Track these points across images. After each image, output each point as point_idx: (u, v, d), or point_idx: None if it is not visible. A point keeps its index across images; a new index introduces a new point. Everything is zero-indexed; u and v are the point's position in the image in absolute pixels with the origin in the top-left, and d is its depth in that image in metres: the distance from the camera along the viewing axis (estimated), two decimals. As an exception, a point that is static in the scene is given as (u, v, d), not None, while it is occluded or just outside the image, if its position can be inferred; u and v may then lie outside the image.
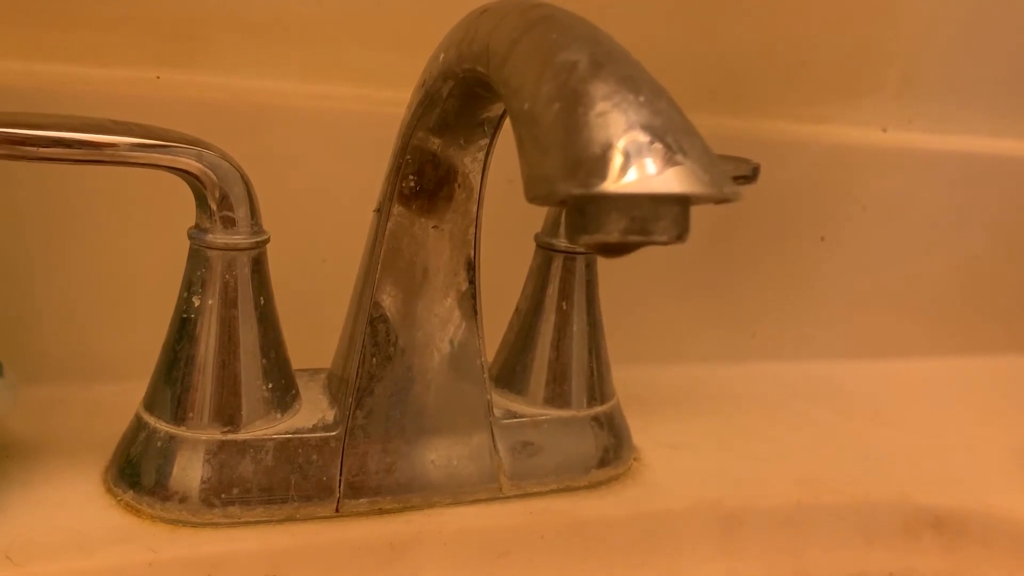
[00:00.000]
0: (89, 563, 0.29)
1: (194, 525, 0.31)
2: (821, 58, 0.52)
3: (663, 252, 0.45)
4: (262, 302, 0.32)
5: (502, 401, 0.37)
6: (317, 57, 0.42)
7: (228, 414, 0.31)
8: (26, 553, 0.28)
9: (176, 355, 0.31)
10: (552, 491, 0.36)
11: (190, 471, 0.31)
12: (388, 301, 0.32)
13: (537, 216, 0.38)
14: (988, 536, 0.39)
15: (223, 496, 0.31)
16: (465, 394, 0.34)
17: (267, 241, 0.32)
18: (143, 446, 0.32)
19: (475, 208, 0.32)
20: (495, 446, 0.35)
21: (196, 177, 0.29)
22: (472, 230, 0.33)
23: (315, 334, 0.35)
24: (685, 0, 0.48)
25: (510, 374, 0.38)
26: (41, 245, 0.39)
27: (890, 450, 0.44)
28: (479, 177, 0.32)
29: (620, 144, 0.19)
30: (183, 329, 0.31)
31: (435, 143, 0.31)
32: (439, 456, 0.34)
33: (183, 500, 0.31)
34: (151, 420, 0.32)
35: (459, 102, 0.29)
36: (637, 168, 0.19)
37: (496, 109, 0.30)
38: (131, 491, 0.31)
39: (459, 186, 0.32)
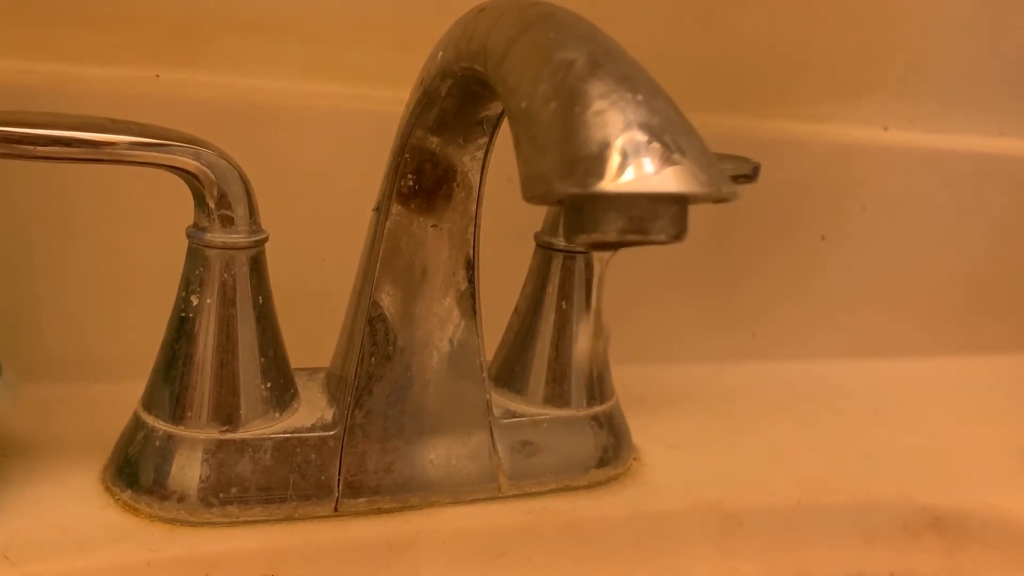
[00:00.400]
0: (87, 562, 0.29)
1: (192, 524, 0.31)
2: (822, 57, 0.52)
3: (663, 251, 0.45)
4: (260, 301, 0.32)
5: (501, 400, 0.37)
6: (316, 56, 0.42)
7: (226, 413, 0.31)
8: (24, 552, 0.28)
9: (174, 354, 0.31)
10: (551, 491, 0.36)
11: (188, 470, 0.31)
12: (387, 300, 0.32)
13: (537, 215, 0.38)
14: (988, 536, 0.39)
15: (221, 495, 0.31)
16: (464, 393, 0.34)
17: (265, 240, 0.32)
18: (141, 445, 0.31)
19: (474, 207, 0.32)
20: (494, 446, 0.35)
21: (194, 176, 0.29)
22: (471, 229, 0.33)
23: (314, 333, 0.35)
24: (685, -1, 0.48)
25: (509, 373, 0.37)
26: (40, 244, 0.39)
27: (890, 450, 0.44)
28: (478, 176, 0.32)
29: (618, 143, 0.19)
30: (181, 328, 0.31)
31: (434, 142, 0.31)
32: (438, 455, 0.34)
33: (181, 499, 0.31)
34: (149, 419, 0.32)
35: (458, 101, 0.29)
36: (635, 167, 0.19)
37: (495, 108, 0.30)
38: (129, 490, 0.31)
39: (458, 185, 0.32)
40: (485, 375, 0.34)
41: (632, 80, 0.20)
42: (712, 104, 0.50)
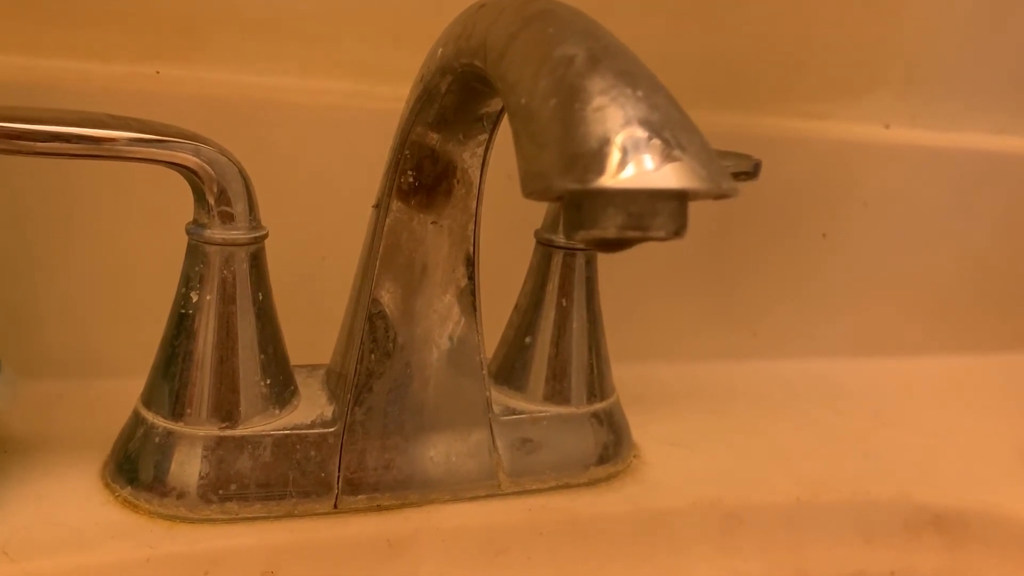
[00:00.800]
0: (86, 559, 0.29)
1: (192, 521, 0.31)
2: (824, 54, 0.51)
3: (663, 248, 0.45)
4: (260, 298, 0.32)
5: (501, 398, 0.37)
6: (316, 52, 0.42)
7: (226, 410, 0.31)
8: (23, 549, 0.28)
9: (174, 351, 0.31)
10: (551, 488, 0.36)
11: (188, 467, 0.31)
12: (387, 297, 0.32)
13: (537, 212, 0.38)
14: (989, 535, 0.39)
15: (221, 492, 0.31)
16: (464, 390, 0.34)
17: (265, 236, 0.31)
18: (141, 442, 0.31)
19: (474, 204, 0.32)
20: (494, 443, 0.35)
21: (194, 172, 0.29)
22: (471, 226, 0.33)
23: (314, 330, 0.35)
24: (687, -4, 0.48)
25: (509, 370, 0.37)
26: (39, 241, 0.39)
27: (891, 448, 0.44)
28: (478, 172, 0.32)
29: (617, 139, 0.19)
30: (181, 325, 0.31)
31: (434, 138, 0.31)
32: (438, 453, 0.34)
33: (181, 496, 0.31)
34: (149, 416, 0.32)
35: (457, 97, 0.29)
36: (634, 163, 0.18)
37: (495, 104, 0.30)
38: (129, 487, 0.31)
39: (458, 182, 0.32)
40: (485, 372, 0.34)
41: (632, 76, 0.20)
42: (713, 101, 0.50)
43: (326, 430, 0.32)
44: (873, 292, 0.56)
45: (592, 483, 0.37)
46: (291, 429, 0.32)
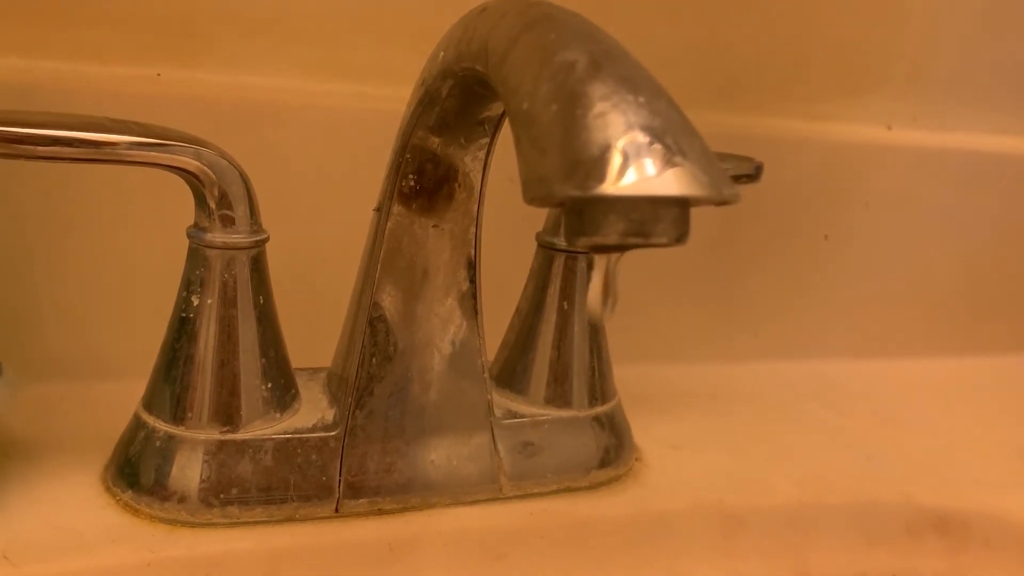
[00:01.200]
0: (87, 563, 0.29)
1: (193, 525, 0.31)
2: (825, 55, 0.51)
3: (665, 251, 0.45)
4: (261, 301, 0.32)
5: (503, 401, 0.37)
6: (318, 54, 0.42)
7: (227, 414, 0.31)
8: (24, 553, 0.28)
9: (175, 354, 0.31)
10: (552, 492, 0.36)
11: (189, 471, 0.31)
12: (388, 301, 0.32)
13: (538, 215, 0.38)
14: (991, 537, 0.39)
15: (222, 496, 0.31)
16: (465, 394, 0.34)
17: (266, 240, 0.31)
18: (142, 446, 0.31)
19: (476, 207, 0.32)
20: (495, 446, 0.35)
21: (195, 176, 0.29)
22: (473, 229, 0.33)
23: (315, 333, 0.35)
24: (688, -3, 0.48)
25: (511, 374, 0.37)
26: (40, 244, 0.39)
27: (893, 450, 0.44)
28: (480, 176, 0.32)
29: (619, 145, 0.19)
30: (182, 328, 0.31)
31: (435, 142, 0.30)
32: (439, 456, 0.34)
33: (182, 500, 0.31)
34: (150, 419, 0.32)
35: (459, 101, 0.29)
36: (636, 170, 0.18)
37: (496, 108, 0.30)
38: (130, 491, 0.31)
39: (459, 185, 0.32)
40: (486, 376, 0.34)
41: (633, 81, 0.20)
42: (714, 103, 0.50)
43: (327, 434, 0.32)
44: (875, 293, 0.56)
45: (594, 486, 0.37)
46: (292, 433, 0.32)
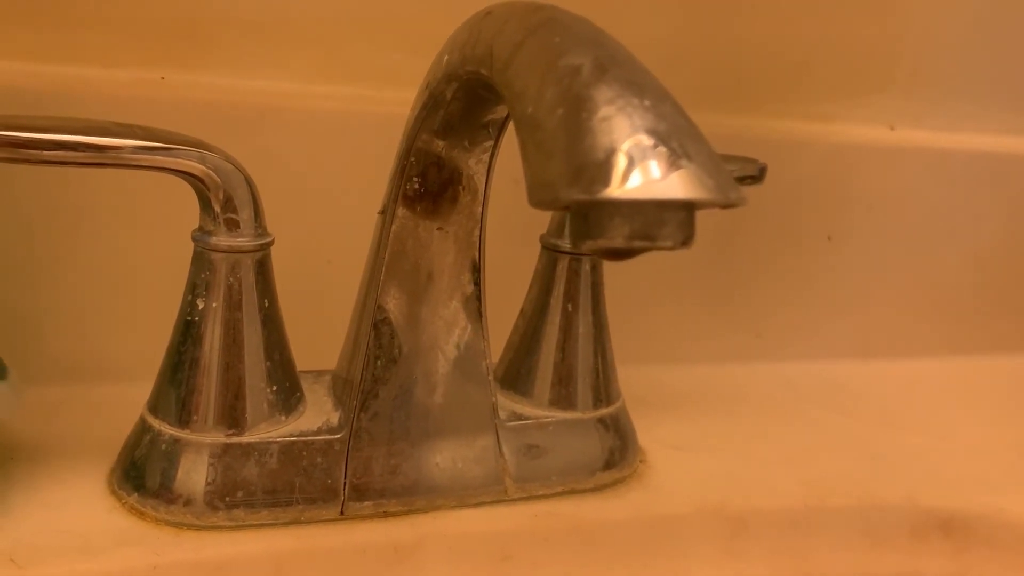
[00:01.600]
0: (93, 566, 0.29)
1: (198, 528, 0.31)
2: (827, 56, 0.51)
3: (669, 253, 0.45)
4: (266, 304, 0.32)
5: (507, 403, 0.37)
6: (322, 57, 0.42)
7: (232, 417, 0.31)
8: (29, 556, 0.28)
9: (180, 358, 0.31)
10: (557, 494, 0.36)
11: (194, 474, 0.31)
12: (392, 304, 0.32)
13: (542, 217, 0.37)
14: (996, 539, 0.39)
15: (227, 499, 0.31)
16: (470, 396, 0.34)
17: (271, 243, 0.31)
18: (147, 449, 0.31)
19: (480, 210, 0.32)
20: (500, 448, 0.35)
21: (199, 179, 0.29)
22: (477, 232, 0.33)
23: (320, 335, 0.35)
24: (691, -1, 0.48)
25: (515, 376, 0.37)
26: (45, 247, 0.39)
27: (897, 452, 0.44)
28: (484, 179, 0.32)
29: (624, 149, 0.19)
30: (187, 332, 0.31)
31: (439, 145, 0.31)
32: (444, 459, 0.34)
33: (187, 503, 0.31)
34: (155, 423, 0.32)
35: (463, 104, 0.29)
36: (641, 173, 0.18)
37: (501, 111, 0.30)
38: (135, 494, 0.31)
39: (463, 188, 0.32)
40: (491, 378, 0.34)
41: (638, 85, 0.20)
42: (717, 104, 0.50)
43: (332, 436, 0.32)
44: (879, 294, 0.56)
45: (598, 488, 0.37)
46: (297, 436, 0.32)
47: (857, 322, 0.56)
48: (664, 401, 0.46)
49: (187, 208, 0.31)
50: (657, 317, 0.51)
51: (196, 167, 0.29)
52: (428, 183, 0.31)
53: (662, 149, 0.19)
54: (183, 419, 0.31)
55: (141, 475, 0.31)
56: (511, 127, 0.27)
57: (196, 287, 0.31)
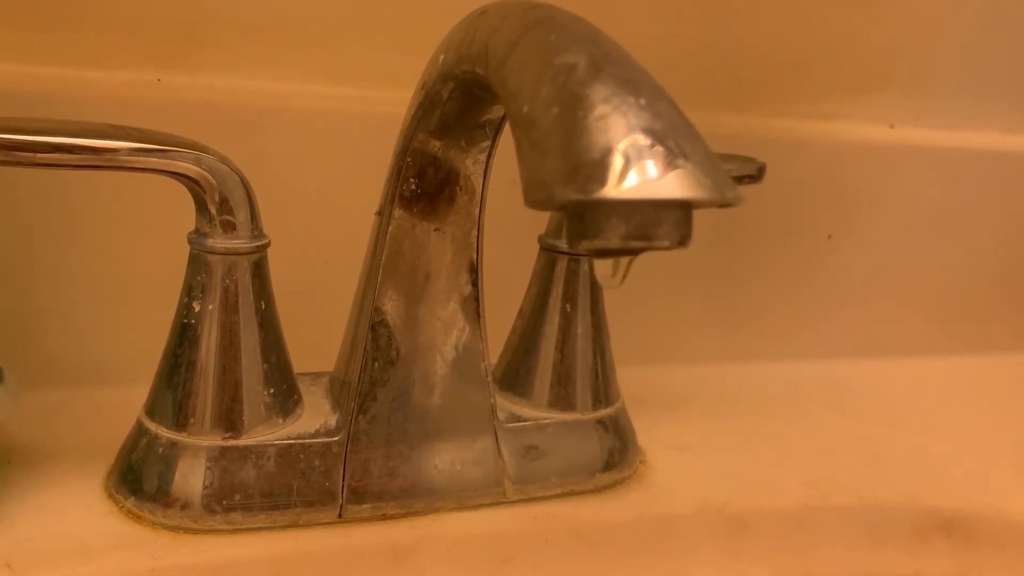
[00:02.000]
0: (90, 570, 0.29)
1: (196, 532, 0.31)
2: (827, 54, 0.51)
3: (667, 253, 0.44)
4: (263, 306, 0.32)
5: (506, 404, 0.36)
6: (318, 58, 0.42)
7: (229, 419, 0.31)
8: (26, 560, 0.28)
9: (177, 360, 0.31)
10: (557, 495, 0.36)
11: (192, 477, 0.31)
12: (390, 305, 0.32)
13: (541, 218, 0.37)
14: (999, 538, 0.39)
15: (225, 502, 0.31)
16: (468, 398, 0.34)
17: (267, 245, 0.31)
18: (144, 452, 0.31)
19: (477, 210, 0.32)
20: (499, 450, 0.35)
21: (195, 181, 0.29)
22: (474, 233, 0.32)
23: (318, 337, 0.34)
24: (689, -3, 0.47)
25: (514, 377, 0.37)
26: (42, 250, 0.39)
27: (899, 451, 0.43)
28: (481, 179, 0.32)
29: (620, 148, 0.19)
30: (184, 334, 0.31)
31: (436, 145, 0.30)
32: (442, 461, 0.34)
33: (185, 507, 0.30)
34: (152, 426, 0.31)
35: (459, 104, 0.29)
36: (637, 173, 0.18)
37: (497, 111, 0.29)
38: (132, 498, 0.31)
39: (460, 188, 0.31)
40: (489, 379, 0.34)
41: (634, 84, 0.20)
42: (717, 103, 0.49)
43: (330, 439, 0.32)
44: (879, 293, 0.56)
45: (598, 490, 0.36)
46: (295, 438, 0.32)
47: (858, 321, 0.56)
48: (664, 401, 0.46)
49: (183, 210, 0.31)
50: (657, 317, 0.50)
51: (191, 169, 0.29)
52: (425, 184, 0.31)
53: (658, 148, 0.19)
54: (180, 422, 0.31)
55: (138, 479, 0.31)
56: (508, 128, 0.27)
57: (192, 289, 0.31)
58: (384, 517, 0.33)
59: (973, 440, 0.46)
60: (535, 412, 0.36)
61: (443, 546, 0.33)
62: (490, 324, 0.34)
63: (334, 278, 0.38)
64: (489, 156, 0.31)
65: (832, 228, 0.53)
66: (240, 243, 0.30)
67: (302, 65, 0.42)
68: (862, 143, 0.52)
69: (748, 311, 0.53)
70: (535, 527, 0.34)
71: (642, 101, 0.20)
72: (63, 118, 0.28)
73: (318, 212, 0.42)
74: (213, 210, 0.30)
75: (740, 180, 0.39)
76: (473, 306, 0.33)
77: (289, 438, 0.32)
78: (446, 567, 0.33)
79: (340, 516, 0.32)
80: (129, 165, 0.28)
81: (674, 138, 0.19)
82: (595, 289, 0.37)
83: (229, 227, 0.30)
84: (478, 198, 0.32)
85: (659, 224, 0.19)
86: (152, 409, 0.32)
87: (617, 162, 0.18)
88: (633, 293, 0.49)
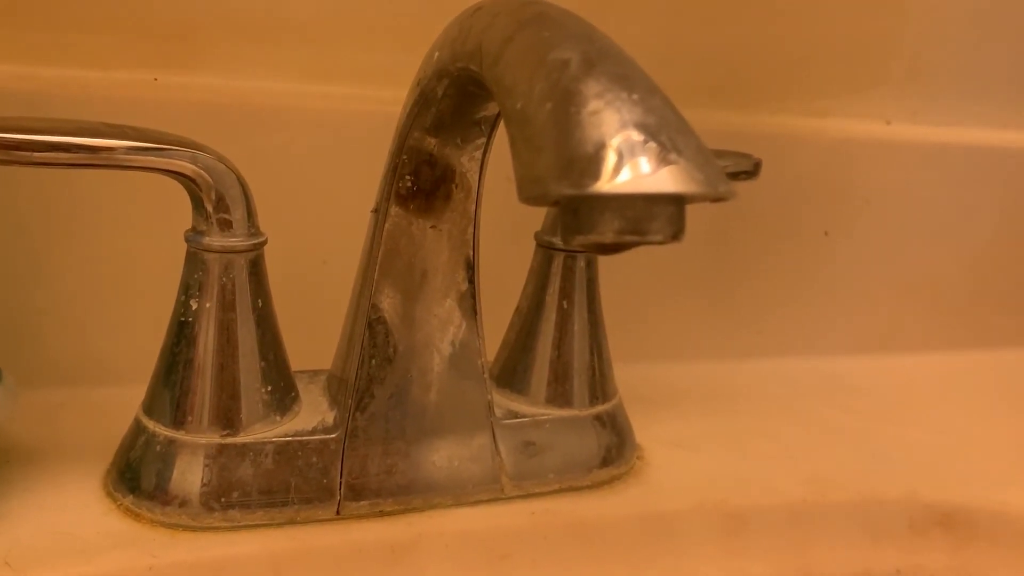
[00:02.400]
0: (88, 568, 0.29)
1: (194, 529, 0.31)
2: (823, 51, 0.51)
3: (664, 249, 0.44)
4: (260, 304, 0.32)
5: (503, 401, 0.36)
6: (313, 57, 0.42)
7: (227, 417, 0.31)
8: (25, 559, 0.28)
9: (174, 359, 0.31)
10: (554, 491, 0.36)
11: (190, 475, 0.31)
12: (387, 303, 0.32)
13: (537, 214, 0.37)
14: (997, 533, 0.39)
15: (223, 500, 0.31)
16: (466, 395, 0.34)
17: (264, 243, 0.31)
18: (142, 450, 0.31)
19: (473, 207, 0.32)
20: (496, 447, 0.35)
21: (191, 180, 0.29)
22: (471, 230, 0.32)
23: (315, 335, 0.35)
24: (686, -5, 0.47)
25: (511, 374, 0.37)
26: (39, 249, 0.39)
27: (897, 447, 0.44)
28: (477, 176, 0.32)
29: (613, 143, 0.19)
30: (181, 333, 0.31)
31: (431, 143, 0.30)
32: (440, 457, 0.34)
33: (183, 504, 0.31)
34: (150, 424, 0.31)
35: (454, 101, 0.29)
36: (631, 167, 0.18)
37: (492, 108, 0.29)
38: (131, 495, 0.31)
39: (456, 185, 0.31)
40: (487, 376, 0.34)
41: (628, 79, 0.20)
42: (713, 100, 0.50)
43: (328, 436, 0.32)
44: (877, 289, 0.56)
45: (595, 486, 0.37)
46: (293, 436, 0.32)
47: (855, 317, 0.56)
48: (661, 398, 0.46)
49: (180, 209, 0.31)
50: (654, 314, 0.50)
51: (188, 167, 0.29)
52: (421, 181, 0.31)
53: (651, 143, 0.19)
54: (178, 420, 0.31)
55: (136, 477, 0.31)
56: (503, 124, 0.27)
57: (189, 288, 0.31)
58: (382, 514, 0.33)
59: (971, 435, 0.46)
60: (532, 408, 0.36)
61: (441, 542, 0.33)
62: (487, 321, 0.34)
63: (331, 275, 0.38)
64: (484, 153, 0.31)
65: (829, 224, 0.53)
66: (237, 241, 0.30)
67: (297, 64, 0.42)
68: (859, 139, 0.52)
69: (745, 308, 0.53)
70: (533, 523, 0.34)
71: (635, 96, 0.20)
72: (60, 117, 0.28)
73: (314, 210, 0.42)
74: (209, 208, 0.30)
75: (736, 176, 0.39)
76: (470, 303, 0.33)
77: (287, 435, 0.32)
78: (444, 563, 0.33)
79: (338, 513, 0.32)
80: (126, 164, 0.28)
81: (667, 133, 0.19)
82: (592, 285, 0.37)
83: (226, 225, 0.30)
84: (474, 195, 0.32)
85: (652, 219, 0.19)
86: (150, 407, 0.32)
87: (610, 157, 0.18)
88: (631, 291, 0.49)
